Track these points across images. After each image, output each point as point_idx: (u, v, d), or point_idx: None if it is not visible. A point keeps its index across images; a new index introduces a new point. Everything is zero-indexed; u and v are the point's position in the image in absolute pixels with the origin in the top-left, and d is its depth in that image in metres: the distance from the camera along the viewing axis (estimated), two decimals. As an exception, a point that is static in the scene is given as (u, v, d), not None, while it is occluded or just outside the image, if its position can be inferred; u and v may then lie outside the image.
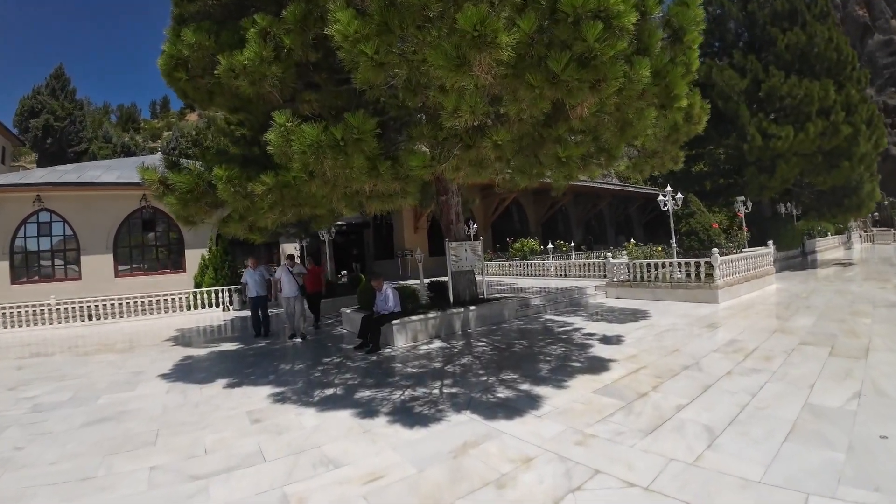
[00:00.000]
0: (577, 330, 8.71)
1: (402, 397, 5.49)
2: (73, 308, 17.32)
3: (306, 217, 8.38)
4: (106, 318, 17.17)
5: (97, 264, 22.43)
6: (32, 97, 37.49)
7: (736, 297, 11.69)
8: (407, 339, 8.85)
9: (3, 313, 16.59)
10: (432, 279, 11.95)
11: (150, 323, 15.91)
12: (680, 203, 13.60)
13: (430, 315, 9.21)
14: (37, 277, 21.92)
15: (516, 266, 18.79)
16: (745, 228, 16.98)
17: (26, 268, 21.73)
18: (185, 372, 7.52)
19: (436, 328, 9.27)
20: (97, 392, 6.47)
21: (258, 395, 5.92)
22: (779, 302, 10.89)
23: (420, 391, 5.67)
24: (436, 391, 5.61)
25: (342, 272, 26.51)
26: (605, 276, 14.40)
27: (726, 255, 12.68)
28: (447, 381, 5.98)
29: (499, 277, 19.11)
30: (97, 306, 17.57)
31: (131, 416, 5.32)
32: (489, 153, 4.98)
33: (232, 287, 18.79)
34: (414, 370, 6.79)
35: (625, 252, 14.15)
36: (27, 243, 21.85)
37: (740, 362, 5.98)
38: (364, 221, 30.45)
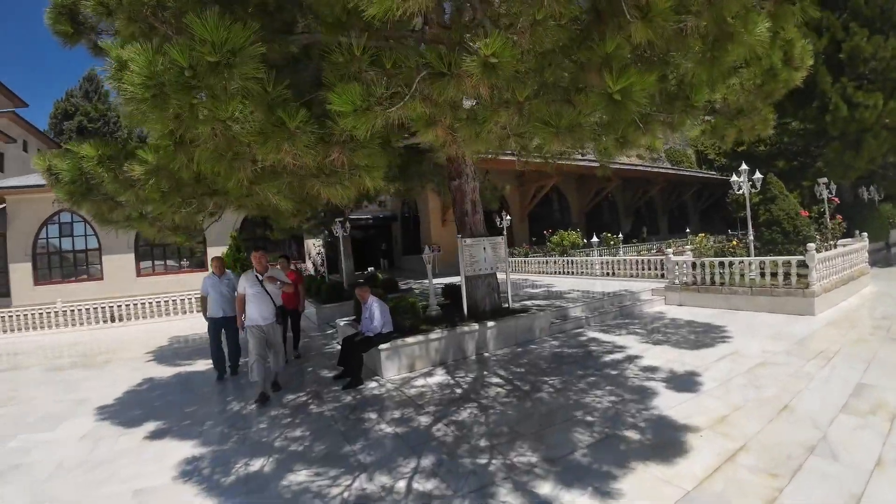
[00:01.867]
0: (631, 360, 6.34)
1: (347, 495, 3.43)
2: (80, 311, 16.53)
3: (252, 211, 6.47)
4: (114, 322, 16.37)
5: (119, 264, 22.15)
6: (66, 100, 37.94)
7: (833, 306, 8.93)
8: (400, 369, 6.80)
9: (11, 317, 15.96)
10: (450, 281, 9.87)
11: (155, 327, 15.00)
12: (758, 185, 10.80)
13: (433, 335, 7.10)
14: (59, 278, 21.85)
15: (554, 263, 16.33)
16: (838, 217, 13.80)
17: (49, 269, 21.65)
18: (126, 405, 6.33)
19: (441, 352, 7.15)
20: (18, 428, 5.67)
21: (169, 460, 4.40)
22: (892, 314, 8.05)
23: (378, 482, 3.59)
24: (401, 485, 3.50)
25: (369, 269, 25.01)
26: (663, 277, 11.80)
27: (822, 251, 9.84)
28: (427, 462, 3.85)
29: (535, 276, 16.72)
30: (104, 308, 16.75)
31: (15, 476, 4.31)
32: (479, 82, 2.79)
33: (245, 287, 17.52)
34: (389, 429, 4.71)
35: (688, 246, 11.46)
36: (49, 244, 21.80)
37: (889, 434, 3.58)
38: (392, 214, 28.68)
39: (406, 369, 6.84)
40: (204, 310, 7.11)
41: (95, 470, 4.27)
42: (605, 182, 25.57)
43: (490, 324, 7.69)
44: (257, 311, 5.88)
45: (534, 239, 21.65)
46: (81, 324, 16.03)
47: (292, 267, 8.76)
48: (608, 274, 14.06)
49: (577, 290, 11.72)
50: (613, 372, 5.87)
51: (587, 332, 8.30)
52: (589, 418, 4.47)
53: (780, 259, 9.15)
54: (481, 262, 8.32)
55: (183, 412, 5.81)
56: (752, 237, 10.64)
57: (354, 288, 7.01)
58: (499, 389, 5.63)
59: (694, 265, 10.39)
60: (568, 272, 15.63)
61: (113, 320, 16.60)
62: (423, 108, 3.09)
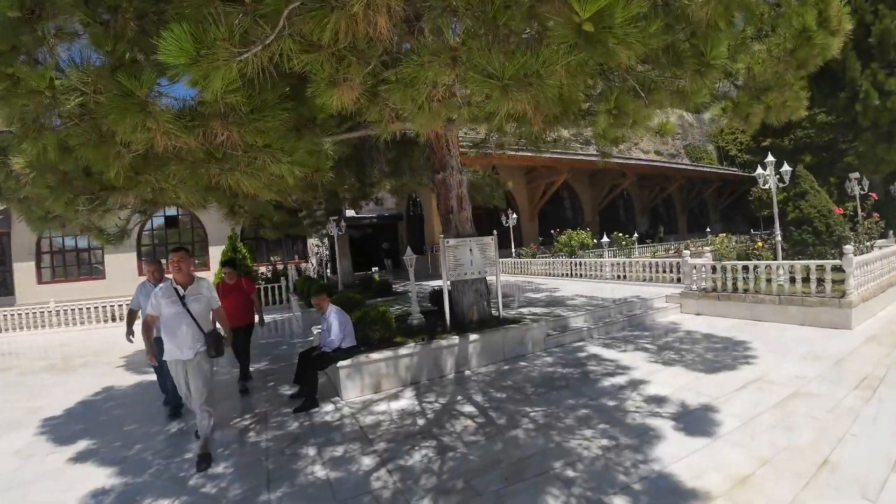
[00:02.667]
0: (634, 386, 5.30)
1: None
2: (74, 311, 16.18)
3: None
4: (115, 321, 15.85)
5: (122, 262, 21.93)
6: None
7: (871, 316, 7.76)
8: (363, 389, 5.88)
9: (6, 316, 15.65)
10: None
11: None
12: (787, 178, 9.59)
13: (403, 351, 6.15)
14: (62, 277, 21.74)
15: (560, 265, 15.23)
16: (875, 216, 12.44)
17: (52, 268, 21.56)
18: (72, 418, 5.86)
19: (413, 370, 6.21)
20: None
21: (80, 489, 3.84)
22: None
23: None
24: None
25: (373, 269, 24.27)
26: (679, 281, 10.67)
27: (858, 253, 8.63)
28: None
29: (541, 279, 15.65)
30: (100, 308, 16.39)
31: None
32: (373, 12, 1.84)
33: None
34: (322, 472, 3.81)
35: (707, 247, 10.32)
36: (52, 243, 21.71)
37: None
38: (398, 213, 27.83)
39: (370, 390, 5.92)
40: (130, 326, 5.63)
41: (10, 491, 3.89)
42: (620, 178, 24.32)
43: (473, 337, 6.70)
44: (176, 340, 4.10)
45: (541, 239, 20.54)
46: (80, 323, 15.81)
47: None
48: (619, 277, 12.93)
49: (583, 296, 10.64)
50: (611, 402, 4.84)
51: (588, 347, 7.25)
52: (570, 472, 3.47)
53: (813, 263, 7.96)
54: (467, 265, 7.35)
55: (121, 430, 5.23)
56: (779, 238, 9.44)
57: (313, 296, 6.08)
58: (468, 422, 4.66)
59: (714, 269, 9.24)
60: (576, 275, 14.53)
61: (114, 319, 16.24)
62: (306, 57, 2.13)
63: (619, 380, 5.53)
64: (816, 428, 3.90)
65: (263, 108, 2.71)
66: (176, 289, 4.18)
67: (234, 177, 3.19)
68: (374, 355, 6.01)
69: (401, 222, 27.44)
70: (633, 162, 25.96)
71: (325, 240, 22.55)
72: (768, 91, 5.10)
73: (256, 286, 6.35)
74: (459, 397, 5.45)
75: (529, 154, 20.12)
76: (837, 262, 7.68)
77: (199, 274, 4.47)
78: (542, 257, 17.70)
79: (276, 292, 17.11)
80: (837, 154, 17.89)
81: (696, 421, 4.19)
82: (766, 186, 9.66)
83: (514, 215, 18.83)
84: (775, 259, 8.99)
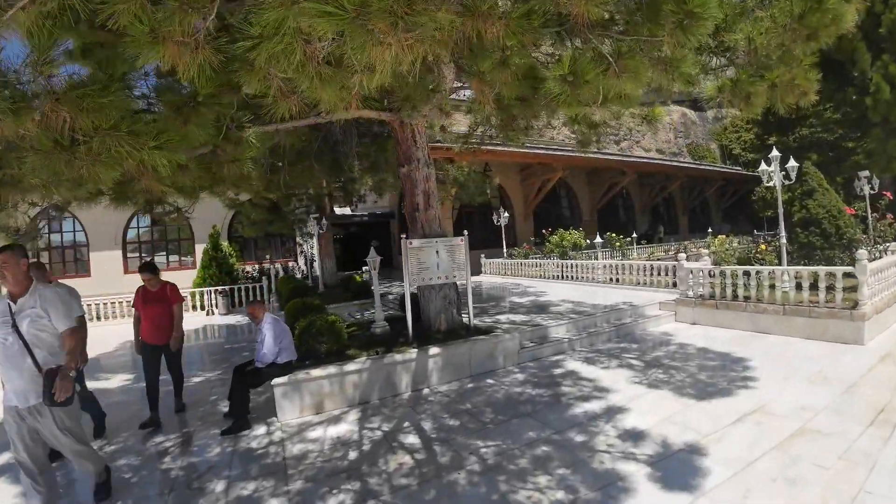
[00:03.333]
0: (610, 416, 4.50)
1: None
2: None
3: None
4: (98, 321, 15.13)
5: (107, 260, 21.45)
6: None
7: (885, 329, 6.99)
8: (303, 410, 5.13)
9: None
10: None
11: (124, 329, 13.39)
12: (793, 175, 8.76)
13: (350, 367, 5.39)
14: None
15: (551, 267, 14.43)
16: (889, 217, 11.58)
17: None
18: None
19: (362, 388, 5.44)
20: None
21: None
22: None
23: None
24: None
25: (363, 269, 23.61)
26: (675, 286, 9.86)
27: (872, 259, 7.81)
28: None
29: (530, 281, 14.84)
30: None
31: None
32: None
33: (216, 289, 16.30)
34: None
35: (706, 250, 9.51)
36: (38, 240, 21.27)
37: None
38: (390, 211, 27.06)
39: (311, 411, 5.16)
40: None
41: None
42: (619, 177, 23.48)
43: (434, 350, 5.92)
44: (9, 379, 2.92)
45: (533, 239, 19.72)
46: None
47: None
48: (612, 280, 12.12)
49: (571, 301, 9.84)
50: (579, 437, 4.04)
51: (567, 362, 6.46)
52: (508, 544, 2.69)
53: (822, 270, 7.14)
54: (433, 269, 6.57)
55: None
56: (783, 240, 8.62)
57: (249, 305, 5.31)
58: (406, 458, 3.88)
59: (711, 274, 8.43)
60: (567, 277, 13.72)
61: (98, 318, 15.60)
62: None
63: (595, 406, 4.74)
64: (825, 482, 3.10)
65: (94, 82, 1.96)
66: (9, 304, 2.91)
67: (89, 167, 2.44)
68: (315, 372, 5.25)
69: (393, 221, 26.67)
70: (632, 159, 25.12)
71: (312, 238, 21.91)
72: (768, 68, 4.29)
73: (183, 297, 5.47)
74: (406, 423, 4.67)
75: (519, 150, 19.33)
76: (849, 268, 6.87)
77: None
78: (535, 258, 16.90)
79: (257, 293, 16.39)
80: (844, 153, 17.00)
81: (677, 468, 3.40)
82: (771, 184, 8.83)
83: (506, 214, 18.01)
84: (779, 263, 8.18)
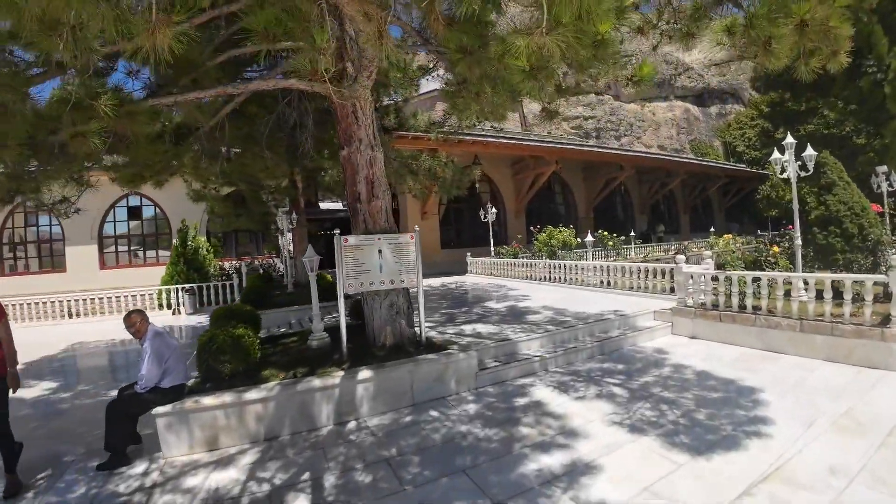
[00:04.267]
0: (572, 476, 3.31)
1: None
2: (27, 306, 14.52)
3: None
4: (72, 318, 14.46)
5: (82, 255, 20.65)
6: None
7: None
8: (192, 446, 4.01)
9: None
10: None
11: (87, 328, 12.64)
12: (811, 165, 7.55)
13: (252, 395, 4.22)
14: (23, 270, 20.83)
15: (538, 267, 13.22)
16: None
17: (14, 260, 20.39)
18: None
19: (268, 420, 4.27)
20: None
21: None
22: None
23: None
24: None
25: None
26: (673, 292, 8.68)
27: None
28: None
29: (514, 282, 13.64)
30: (52, 304, 14.74)
31: None
32: None
33: (182, 287, 15.23)
34: None
35: (708, 252, 8.33)
36: (14, 234, 20.42)
37: None
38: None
39: (203, 447, 4.02)
40: None
41: None
42: (617, 172, 22.23)
43: (365, 374, 4.74)
44: None
45: (520, 236, 18.48)
46: (35, 319, 14.13)
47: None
48: (604, 284, 10.92)
49: (552, 308, 8.65)
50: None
51: (534, 388, 5.26)
52: None
53: (848, 278, 5.93)
54: (374, 272, 5.40)
55: None
56: (798, 241, 7.42)
57: (127, 317, 4.14)
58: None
59: (715, 279, 7.23)
60: (555, 279, 12.52)
61: (72, 316, 14.62)
62: None
63: (555, 460, 3.55)
64: None
65: None
66: None
67: None
68: (207, 400, 4.09)
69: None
70: (629, 153, 23.87)
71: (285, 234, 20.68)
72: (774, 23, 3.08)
73: (6, 315, 3.94)
74: (306, 476, 3.51)
75: (509, 141, 18.15)
76: (882, 277, 5.66)
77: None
78: (524, 257, 15.70)
79: (227, 291, 15.29)
80: (856, 149, 15.73)
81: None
82: (784, 175, 7.62)
83: (494, 210, 16.80)
84: (793, 268, 6.98)
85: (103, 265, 21.26)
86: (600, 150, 21.79)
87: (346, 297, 5.51)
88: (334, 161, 9.84)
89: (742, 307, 6.78)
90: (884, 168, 13.38)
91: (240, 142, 8.36)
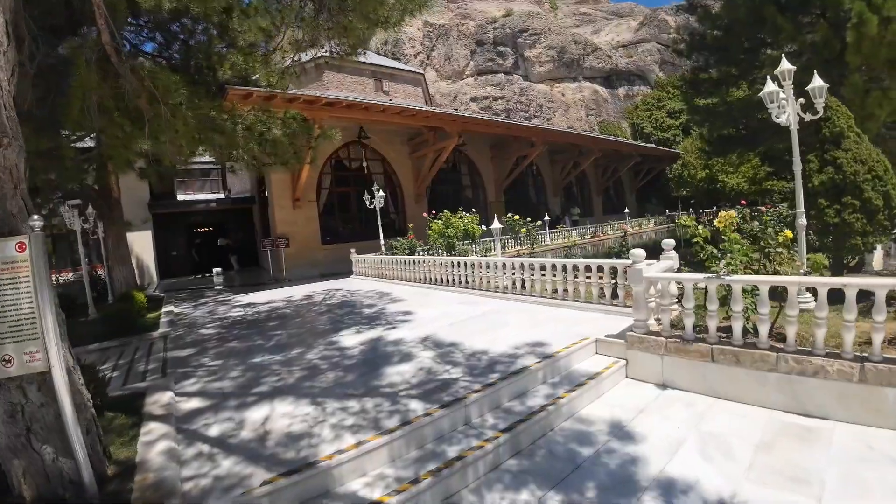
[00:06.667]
0: None
1: None
2: None
3: None
4: None
5: None
6: None
7: None
8: None
9: None
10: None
11: None
12: (820, 106, 4.89)
13: None
14: None
15: (432, 267, 9.96)
16: None
17: None
18: None
19: None
20: None
21: None
22: None
23: None
24: None
25: (215, 270, 18.06)
26: (616, 298, 5.81)
27: None
28: None
29: (404, 287, 10.31)
30: None
31: None
32: None
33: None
34: None
35: (669, 242, 5.44)
36: None
37: None
38: (249, 196, 21.21)
39: None
40: None
41: None
42: (528, 149, 19.64)
43: None
44: None
45: (411, 226, 15.07)
46: None
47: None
48: (519, 287, 7.88)
49: (438, 344, 5.37)
50: None
51: None
52: None
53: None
54: None
55: None
56: (802, 221, 4.76)
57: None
58: None
59: (701, 293, 4.33)
60: (456, 282, 9.33)
61: None
62: None
63: None
64: None
65: None
66: None
67: None
68: None
69: (255, 206, 20.95)
70: (540, 127, 21.53)
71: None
72: None
73: None
74: None
75: (399, 109, 14.67)
76: None
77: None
78: (423, 252, 12.41)
79: None
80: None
81: None
82: (781, 119, 4.90)
83: (382, 193, 13.27)
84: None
85: None
86: (507, 122, 19.06)
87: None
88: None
89: (747, 339, 3.94)
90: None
91: None
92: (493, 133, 18.75)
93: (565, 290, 6.97)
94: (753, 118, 13.24)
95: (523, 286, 7.79)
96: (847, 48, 9.49)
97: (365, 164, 16.09)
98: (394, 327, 6.17)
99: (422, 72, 27.96)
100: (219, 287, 14.25)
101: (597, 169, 28.17)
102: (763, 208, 12.71)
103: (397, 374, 4.33)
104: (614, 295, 6.22)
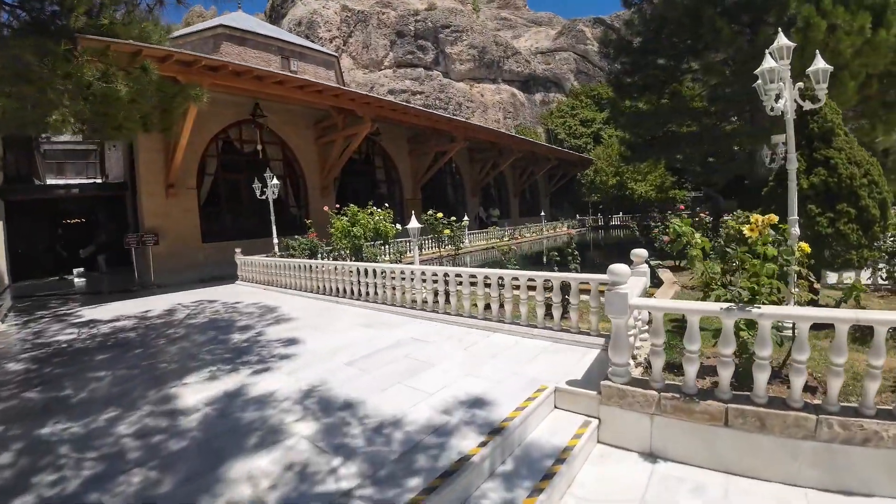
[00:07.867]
0: None
1: None
2: None
3: None
4: None
5: None
6: None
7: None
8: None
9: None
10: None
11: None
12: (822, 93, 3.94)
13: None
14: None
15: (329, 275, 8.18)
16: None
17: None
18: None
19: None
20: None
21: None
22: None
23: None
24: None
25: (75, 271, 15.12)
26: (564, 325, 4.55)
27: None
28: None
29: (295, 300, 8.44)
30: None
31: None
32: None
33: None
34: None
35: (641, 253, 4.21)
36: None
37: None
38: (122, 181, 17.71)
39: None
40: None
41: None
42: (448, 144, 18.38)
43: None
44: None
45: (308, 221, 13.09)
46: None
47: None
48: (440, 304, 6.37)
49: (316, 401, 3.72)
50: None
51: None
52: None
53: None
54: None
55: None
56: (795, 230, 3.79)
57: None
58: None
59: (734, 330, 3.13)
60: (362, 294, 7.62)
61: None
62: None
63: None
64: None
65: None
66: None
67: None
68: None
69: (127, 193, 17.48)
70: (461, 120, 20.41)
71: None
72: None
73: None
74: None
75: (301, 83, 12.49)
76: None
77: None
78: (325, 253, 10.52)
79: None
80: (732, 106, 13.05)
81: None
82: (776, 110, 3.89)
83: (277, 181, 11.14)
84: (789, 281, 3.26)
85: None
86: (428, 112, 17.61)
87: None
88: None
89: (779, 384, 2.79)
90: (782, 136, 11.45)
91: None
92: (411, 123, 17.17)
93: (501, 307, 5.61)
94: (675, 124, 13.02)
95: (447, 300, 6.31)
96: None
97: (260, 148, 13.73)
98: (267, 369, 4.35)
99: (336, 55, 25.66)
100: (76, 293, 11.36)
101: (514, 171, 27.80)
102: (681, 207, 12.46)
103: (247, 479, 2.59)
104: (564, 315, 4.96)
